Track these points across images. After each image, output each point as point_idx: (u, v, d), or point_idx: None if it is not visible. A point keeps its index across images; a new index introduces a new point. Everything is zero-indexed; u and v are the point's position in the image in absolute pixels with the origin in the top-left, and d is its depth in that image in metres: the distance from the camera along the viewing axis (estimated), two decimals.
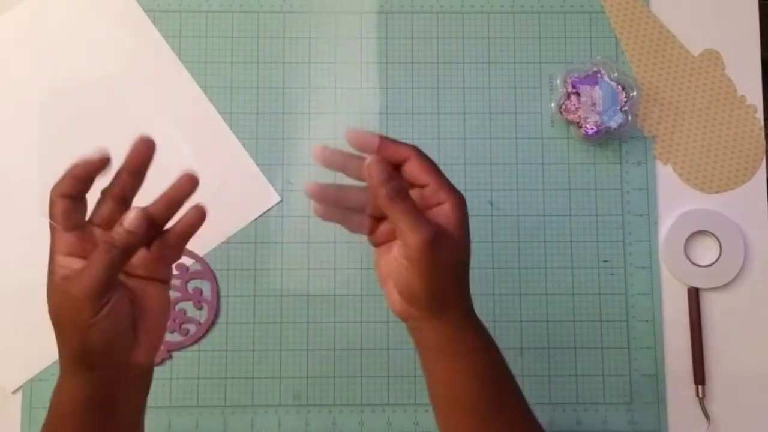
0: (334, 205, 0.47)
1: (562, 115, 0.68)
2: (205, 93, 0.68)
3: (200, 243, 0.66)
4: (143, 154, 0.44)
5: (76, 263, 0.43)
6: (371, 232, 0.47)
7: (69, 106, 0.67)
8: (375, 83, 0.70)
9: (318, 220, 0.52)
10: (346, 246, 0.67)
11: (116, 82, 0.67)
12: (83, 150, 0.43)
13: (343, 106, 0.69)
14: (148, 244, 0.46)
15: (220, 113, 0.68)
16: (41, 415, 0.65)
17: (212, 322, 0.66)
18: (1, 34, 0.68)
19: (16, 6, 0.69)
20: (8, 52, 0.68)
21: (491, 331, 0.66)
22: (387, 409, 0.66)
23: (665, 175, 0.69)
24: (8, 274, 0.66)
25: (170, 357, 0.66)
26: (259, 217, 0.68)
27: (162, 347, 0.64)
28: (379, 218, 0.47)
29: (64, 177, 0.43)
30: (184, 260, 0.66)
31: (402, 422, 0.66)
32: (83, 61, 0.68)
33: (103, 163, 0.43)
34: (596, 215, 0.68)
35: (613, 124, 0.66)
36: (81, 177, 0.43)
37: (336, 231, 0.66)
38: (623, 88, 0.67)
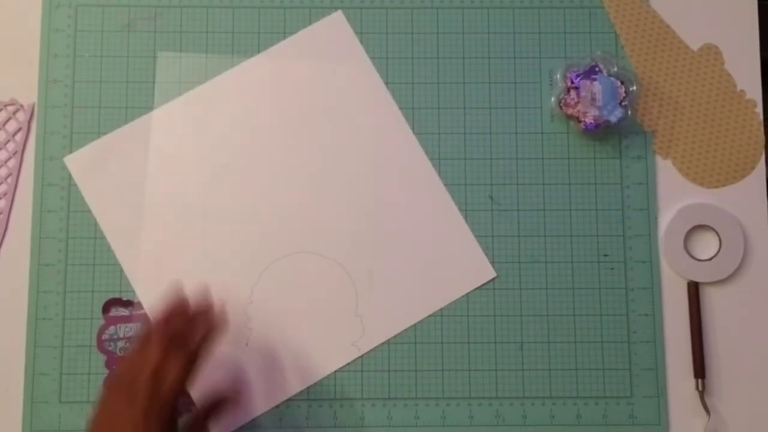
0: None
1: (562, 109, 0.68)
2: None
3: (411, 311, 0.67)
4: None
5: None
6: None
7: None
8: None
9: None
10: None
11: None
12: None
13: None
14: None
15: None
16: (42, 410, 0.65)
17: None
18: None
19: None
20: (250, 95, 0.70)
21: (492, 326, 0.67)
22: (388, 404, 0.66)
23: (665, 169, 0.69)
24: None
25: None
26: (473, 291, 0.68)
27: None
28: None
29: None
30: None
31: (402, 416, 0.66)
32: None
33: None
34: (596, 210, 0.68)
35: (613, 119, 0.66)
36: None
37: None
38: (623, 83, 0.67)
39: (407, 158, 0.69)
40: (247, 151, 0.69)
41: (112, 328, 0.67)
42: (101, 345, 0.66)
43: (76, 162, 0.68)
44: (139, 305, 0.67)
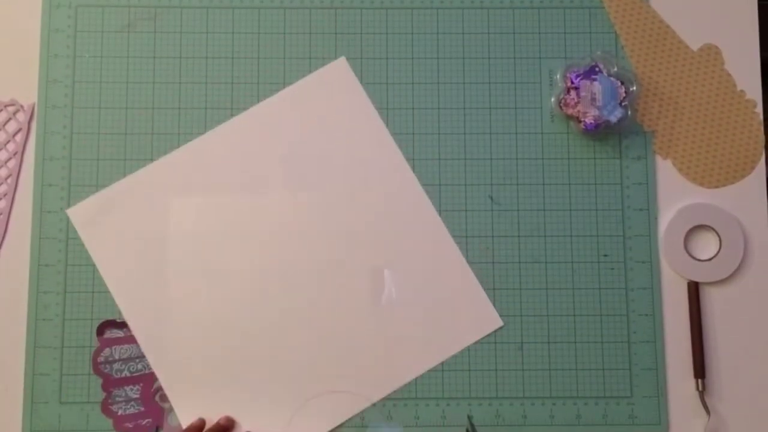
0: None
1: (562, 109, 0.68)
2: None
3: (420, 361, 0.66)
4: None
5: None
6: None
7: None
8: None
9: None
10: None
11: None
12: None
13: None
14: None
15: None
16: (43, 410, 0.65)
17: None
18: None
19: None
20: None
21: None
22: (388, 404, 0.66)
23: (665, 169, 0.69)
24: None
25: None
26: (479, 341, 0.67)
27: None
28: None
29: None
30: None
31: (402, 416, 0.66)
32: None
33: None
34: (596, 210, 0.68)
35: (613, 119, 0.66)
36: None
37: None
38: (623, 83, 0.67)
39: (411, 205, 0.68)
40: (248, 201, 0.68)
41: (107, 350, 0.66)
42: (97, 368, 0.66)
43: (78, 215, 0.67)
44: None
